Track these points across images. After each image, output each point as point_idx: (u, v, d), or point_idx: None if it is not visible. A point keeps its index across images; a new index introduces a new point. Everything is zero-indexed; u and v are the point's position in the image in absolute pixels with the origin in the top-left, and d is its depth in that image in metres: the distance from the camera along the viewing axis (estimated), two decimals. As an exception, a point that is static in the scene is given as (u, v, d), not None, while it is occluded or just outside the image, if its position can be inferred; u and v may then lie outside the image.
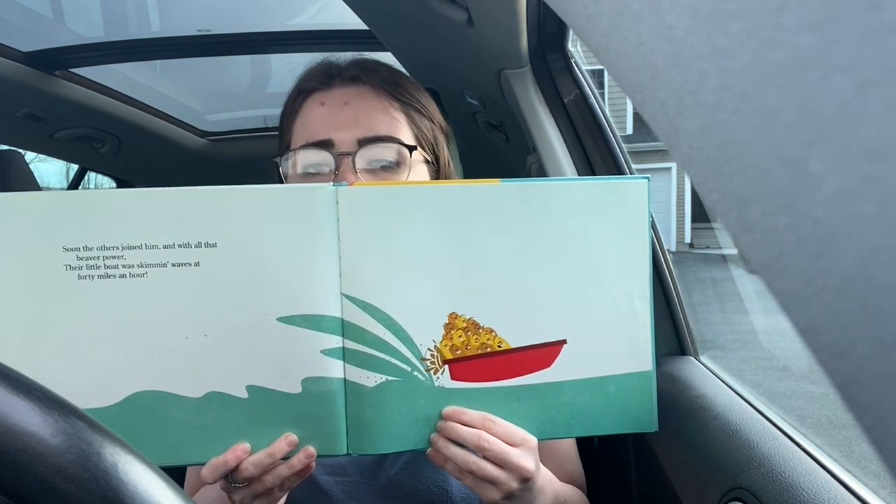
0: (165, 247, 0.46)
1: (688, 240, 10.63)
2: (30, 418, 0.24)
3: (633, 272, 0.50)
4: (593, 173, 0.94)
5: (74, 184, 2.14)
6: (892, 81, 0.11)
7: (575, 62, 0.99)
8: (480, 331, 0.48)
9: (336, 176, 0.59)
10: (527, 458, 0.48)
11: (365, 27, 1.03)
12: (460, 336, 0.48)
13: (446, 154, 0.63)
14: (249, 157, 2.25)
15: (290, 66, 1.80)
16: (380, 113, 0.60)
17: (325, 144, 0.60)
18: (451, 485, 0.60)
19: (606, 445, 0.99)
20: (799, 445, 0.53)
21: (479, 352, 0.48)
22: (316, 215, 0.46)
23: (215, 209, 0.46)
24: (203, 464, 0.48)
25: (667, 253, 0.94)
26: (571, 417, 0.51)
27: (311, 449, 0.48)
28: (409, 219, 0.47)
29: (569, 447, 0.66)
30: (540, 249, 0.49)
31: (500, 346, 0.49)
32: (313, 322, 0.47)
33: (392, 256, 0.47)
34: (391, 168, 0.59)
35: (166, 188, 0.47)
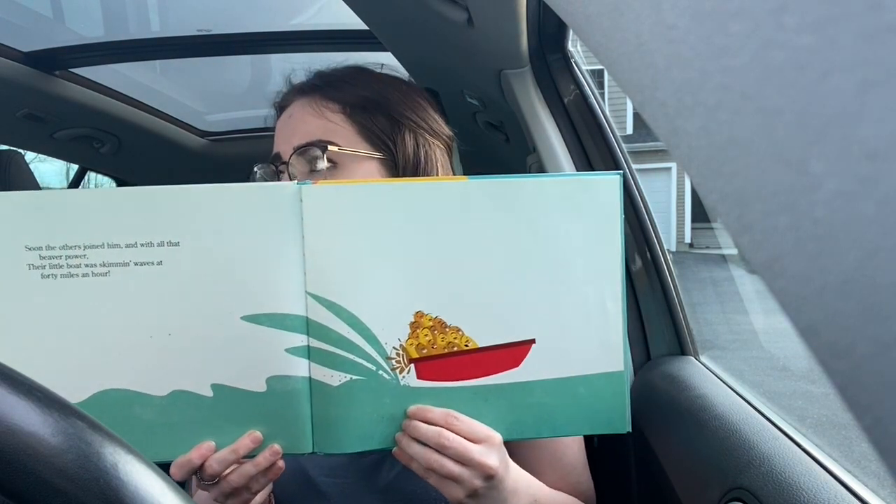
0: (128, 246, 0.46)
1: (688, 240, 10.63)
2: (30, 418, 0.24)
3: (604, 271, 0.49)
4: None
5: (74, 184, 2.14)
6: (892, 81, 0.11)
7: (575, 62, 0.99)
8: (447, 330, 0.48)
9: None
10: (490, 455, 0.48)
11: (365, 27, 1.03)
12: (426, 335, 0.48)
13: (409, 148, 0.61)
14: (249, 157, 2.25)
15: (290, 67, 1.81)
16: (313, 118, 0.60)
17: (274, 158, 0.62)
18: None
19: (606, 445, 0.99)
20: (799, 445, 0.53)
21: (446, 351, 0.48)
22: (279, 214, 0.46)
23: (178, 208, 0.46)
24: (170, 462, 0.48)
25: (667, 253, 0.94)
26: (540, 418, 0.50)
27: (277, 446, 0.48)
28: (374, 217, 0.46)
29: (574, 457, 0.64)
30: (508, 248, 0.48)
31: (467, 346, 0.48)
32: (278, 321, 0.47)
33: (357, 255, 0.47)
34: (326, 172, 0.59)
35: (129, 188, 0.47)
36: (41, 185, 1.21)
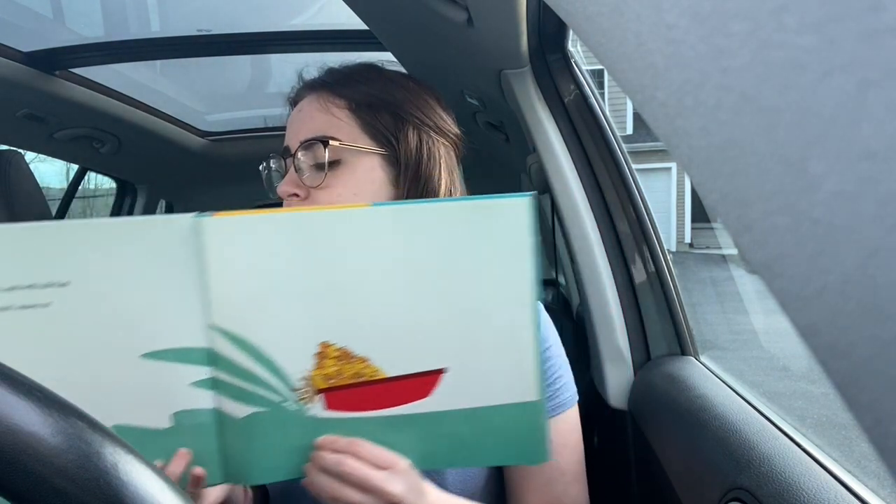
0: (11, 289, 0.43)
1: (688, 240, 10.63)
2: (30, 418, 0.24)
3: (515, 298, 0.47)
4: (593, 173, 0.94)
5: (74, 184, 2.14)
6: (892, 81, 0.11)
7: (575, 62, 0.99)
8: (353, 360, 0.47)
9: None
10: (393, 482, 0.47)
11: (365, 27, 1.03)
12: (333, 365, 0.47)
13: (411, 145, 0.62)
14: (249, 157, 2.25)
15: (290, 66, 1.80)
16: (320, 114, 0.62)
17: (284, 151, 0.64)
18: (447, 473, 0.62)
19: (607, 445, 0.99)
20: (799, 445, 0.53)
21: (353, 381, 0.47)
22: (174, 248, 0.44)
23: (65, 246, 0.44)
24: None
25: (667, 253, 0.94)
26: (453, 448, 0.49)
27: (183, 450, 0.47)
28: (276, 247, 0.45)
29: (565, 464, 0.63)
30: (416, 275, 0.46)
31: (374, 376, 0.47)
32: (180, 355, 0.46)
33: (260, 286, 0.45)
34: (328, 166, 0.60)
35: (8, 225, 0.44)
36: (41, 185, 1.21)
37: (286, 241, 0.45)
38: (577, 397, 0.67)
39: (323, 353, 0.46)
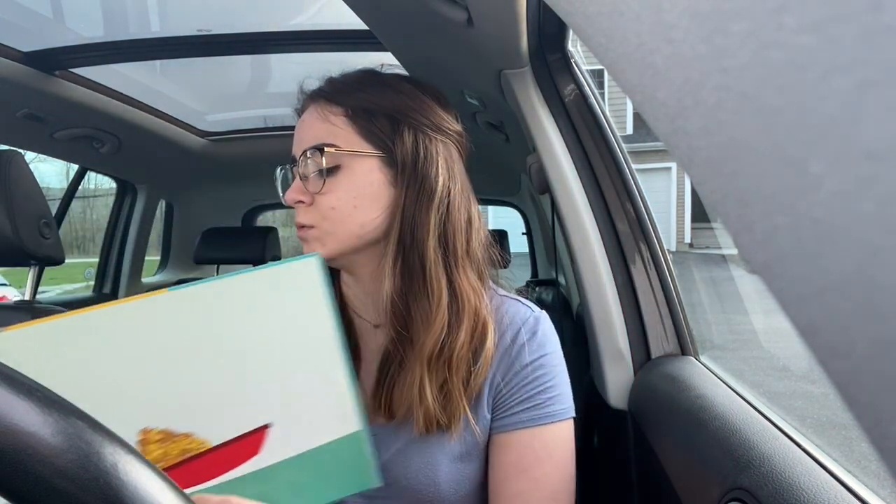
0: None
1: (688, 240, 10.63)
2: (30, 418, 0.24)
3: (321, 344, 0.51)
4: (593, 173, 0.94)
5: (74, 184, 2.15)
6: (892, 81, 0.11)
7: (575, 62, 0.99)
8: (177, 438, 0.47)
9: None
10: None
11: (365, 27, 1.03)
12: (157, 449, 0.47)
13: (407, 145, 0.64)
14: (249, 157, 2.25)
15: (290, 66, 1.80)
16: (319, 122, 0.65)
17: (291, 160, 0.67)
18: (440, 476, 0.62)
19: (607, 445, 0.99)
20: (799, 445, 0.53)
21: (182, 458, 0.47)
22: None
23: None
24: None
25: (667, 253, 0.94)
26: (293, 493, 0.51)
27: None
28: (74, 350, 0.45)
29: (545, 477, 0.63)
30: (223, 346, 0.49)
31: (201, 448, 0.48)
32: None
33: (68, 389, 0.45)
34: (328, 172, 0.63)
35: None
36: (41, 185, 1.21)
37: (84, 340, 0.45)
38: (571, 413, 0.66)
39: (145, 440, 0.47)
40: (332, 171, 0.63)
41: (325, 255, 0.64)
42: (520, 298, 0.70)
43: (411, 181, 0.63)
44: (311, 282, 0.51)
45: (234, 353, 0.49)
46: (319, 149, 0.63)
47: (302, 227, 0.65)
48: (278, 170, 0.70)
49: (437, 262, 0.63)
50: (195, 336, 0.48)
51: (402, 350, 0.63)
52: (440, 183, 0.64)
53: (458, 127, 0.69)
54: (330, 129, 0.64)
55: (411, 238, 0.63)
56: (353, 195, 0.63)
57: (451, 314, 0.62)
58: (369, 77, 0.68)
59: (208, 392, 0.48)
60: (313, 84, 0.70)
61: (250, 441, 0.49)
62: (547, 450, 0.63)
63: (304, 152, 0.64)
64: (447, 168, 0.66)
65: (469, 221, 0.67)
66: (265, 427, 0.50)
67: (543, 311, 0.69)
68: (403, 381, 0.62)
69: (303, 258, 0.51)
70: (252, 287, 0.50)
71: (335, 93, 0.66)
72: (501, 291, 0.70)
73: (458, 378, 0.62)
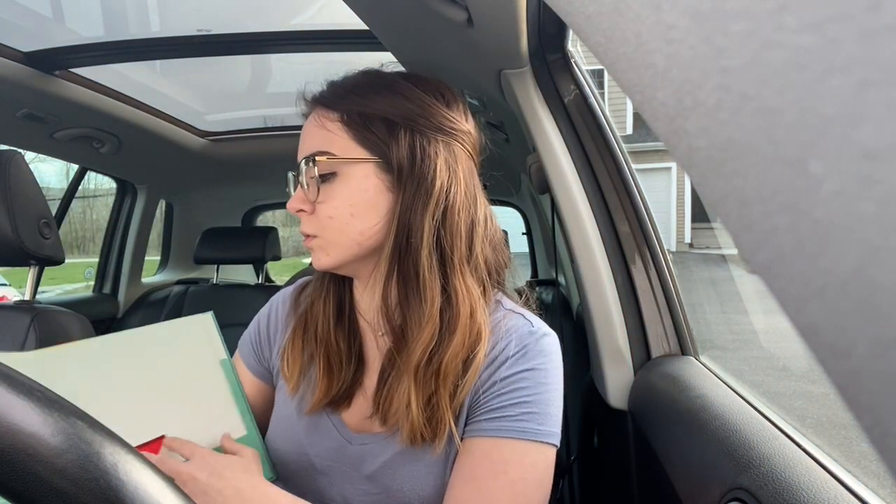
0: None
1: (688, 240, 10.63)
2: (30, 418, 0.24)
3: (212, 374, 0.72)
4: (593, 173, 0.94)
5: (74, 184, 2.15)
6: (892, 81, 0.11)
7: (575, 62, 0.99)
8: None
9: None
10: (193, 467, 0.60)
11: (365, 27, 1.03)
12: None
13: (402, 148, 0.62)
14: (249, 157, 2.25)
15: (289, 67, 1.80)
16: (316, 130, 0.65)
17: (296, 167, 0.68)
18: (426, 488, 0.62)
19: (606, 445, 0.99)
20: (799, 445, 0.53)
21: None
22: None
23: None
24: None
25: (667, 253, 0.94)
26: None
27: None
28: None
29: (476, 492, 0.58)
30: (135, 379, 0.66)
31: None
32: None
33: None
34: (324, 180, 0.64)
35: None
36: (41, 185, 1.21)
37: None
38: (550, 438, 0.60)
39: None
40: (327, 179, 0.63)
41: (329, 263, 0.65)
42: (525, 313, 0.67)
43: (408, 185, 0.61)
44: (207, 330, 0.73)
45: (144, 385, 0.66)
46: (313, 158, 0.63)
47: (306, 236, 0.65)
48: (290, 175, 0.70)
49: (430, 267, 0.61)
50: (113, 375, 0.65)
51: (399, 358, 0.62)
52: (437, 185, 0.61)
53: (465, 126, 0.67)
54: (326, 136, 0.63)
55: (406, 243, 0.61)
56: (349, 203, 0.62)
57: (444, 321, 0.60)
58: (367, 79, 0.66)
59: (119, 411, 0.64)
60: (316, 88, 0.69)
61: (151, 448, 0.64)
62: (505, 465, 0.58)
63: (303, 161, 0.64)
64: (448, 169, 0.63)
65: (472, 226, 0.64)
66: (161, 437, 0.65)
67: (548, 332, 0.65)
68: (396, 390, 0.61)
69: (198, 315, 0.73)
70: (154, 337, 0.70)
71: (332, 97, 0.65)
72: (508, 305, 0.67)
73: (446, 391, 0.60)
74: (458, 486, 0.59)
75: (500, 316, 0.65)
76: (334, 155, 0.63)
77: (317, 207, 0.63)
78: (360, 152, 0.63)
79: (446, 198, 0.62)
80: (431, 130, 0.64)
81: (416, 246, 0.61)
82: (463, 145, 0.66)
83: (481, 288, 0.65)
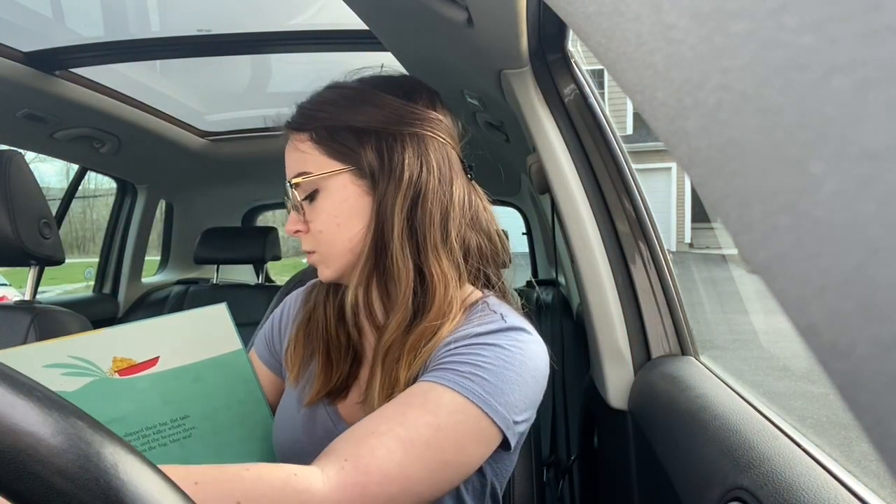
0: None
1: (688, 240, 10.63)
2: (30, 418, 0.24)
3: (228, 342, 0.78)
4: (593, 173, 0.94)
5: (74, 184, 2.14)
6: (892, 81, 0.11)
7: (575, 62, 0.99)
8: (123, 360, 0.72)
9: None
10: None
11: (365, 27, 1.03)
12: (122, 363, 0.73)
13: (370, 153, 0.64)
14: (249, 157, 2.26)
15: (289, 66, 1.80)
16: (293, 153, 0.68)
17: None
18: None
19: (606, 445, 0.99)
20: (799, 445, 0.53)
21: (125, 366, 0.72)
22: None
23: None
24: None
25: (667, 253, 0.94)
26: (193, 393, 0.74)
27: None
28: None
29: (374, 418, 0.55)
30: (163, 350, 0.73)
31: (133, 363, 0.72)
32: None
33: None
34: (309, 199, 0.67)
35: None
36: (41, 185, 1.21)
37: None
38: (494, 415, 0.55)
39: (114, 360, 0.73)
40: (313, 197, 0.66)
41: (331, 275, 0.68)
42: (505, 313, 0.63)
43: (381, 184, 0.64)
44: (223, 319, 0.78)
45: (169, 353, 0.74)
46: (293, 181, 0.66)
47: (308, 253, 0.69)
48: (286, 199, 0.72)
49: (404, 257, 0.62)
50: (146, 349, 0.73)
51: (379, 346, 0.65)
52: (406, 176, 0.63)
53: (431, 114, 0.66)
54: (301, 157, 0.67)
55: (381, 238, 0.63)
56: (333, 214, 0.65)
57: (416, 307, 0.63)
58: (331, 94, 0.69)
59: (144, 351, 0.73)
60: (289, 116, 0.71)
61: (149, 364, 0.72)
62: (437, 408, 0.54)
63: (288, 185, 0.67)
64: (418, 160, 0.64)
65: (446, 210, 0.64)
66: (157, 357, 0.73)
67: (525, 328, 0.63)
68: (377, 377, 0.63)
69: (214, 306, 0.79)
70: (175, 326, 0.76)
71: (301, 119, 0.68)
72: (494, 305, 0.65)
73: (406, 367, 0.61)
74: (387, 406, 0.56)
75: (481, 308, 0.64)
76: (310, 173, 0.66)
77: (309, 226, 0.67)
78: (333, 165, 0.65)
79: (416, 188, 0.64)
80: (395, 126, 0.65)
81: (388, 239, 0.63)
82: (434, 133, 0.66)
83: (457, 272, 0.65)
